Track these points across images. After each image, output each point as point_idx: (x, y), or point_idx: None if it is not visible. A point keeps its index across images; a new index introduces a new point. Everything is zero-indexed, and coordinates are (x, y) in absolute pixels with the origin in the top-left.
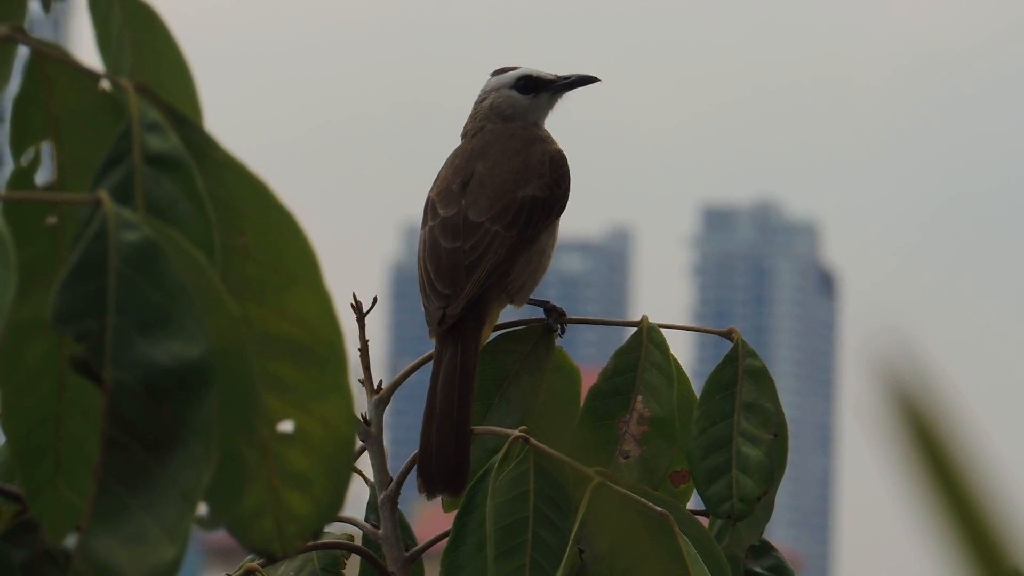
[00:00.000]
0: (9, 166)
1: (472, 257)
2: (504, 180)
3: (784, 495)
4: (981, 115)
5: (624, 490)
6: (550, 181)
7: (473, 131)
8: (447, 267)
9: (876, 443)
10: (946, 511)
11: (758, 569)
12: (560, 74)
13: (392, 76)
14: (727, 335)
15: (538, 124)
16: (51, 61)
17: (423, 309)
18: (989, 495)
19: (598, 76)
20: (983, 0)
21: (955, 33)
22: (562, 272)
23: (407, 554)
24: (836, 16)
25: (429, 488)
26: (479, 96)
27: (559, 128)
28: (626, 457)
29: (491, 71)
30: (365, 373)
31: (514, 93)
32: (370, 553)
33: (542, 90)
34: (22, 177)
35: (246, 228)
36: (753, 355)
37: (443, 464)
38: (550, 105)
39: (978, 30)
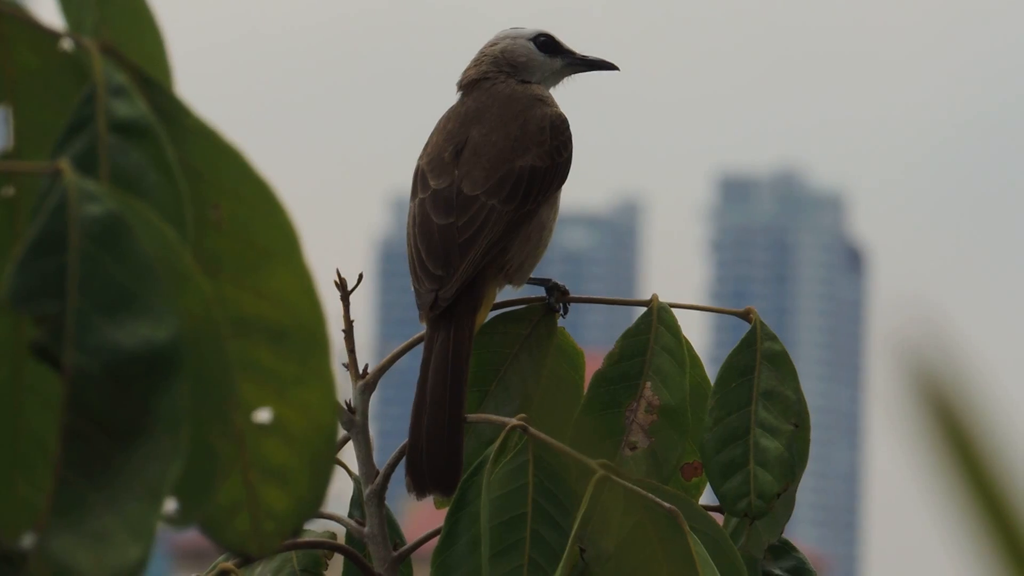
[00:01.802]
0: None
1: (467, 234)
2: (501, 148)
3: (807, 491)
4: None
5: (630, 484)
6: (551, 148)
7: (475, 78)
8: (439, 245)
9: (906, 435)
10: (977, 508)
11: (777, 571)
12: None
13: (381, 22)
14: (744, 316)
15: (543, 86)
16: (6, 18)
17: (413, 291)
18: (1020, 490)
19: (616, 65)
20: None
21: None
22: (565, 248)
23: (395, 553)
24: None
25: (419, 485)
26: (490, 41)
27: (560, 89)
28: (633, 448)
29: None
30: (350, 357)
31: (531, 45)
32: (354, 552)
33: (558, 55)
34: None
35: (220, 201)
36: (773, 338)
37: (434, 459)
38: (561, 75)
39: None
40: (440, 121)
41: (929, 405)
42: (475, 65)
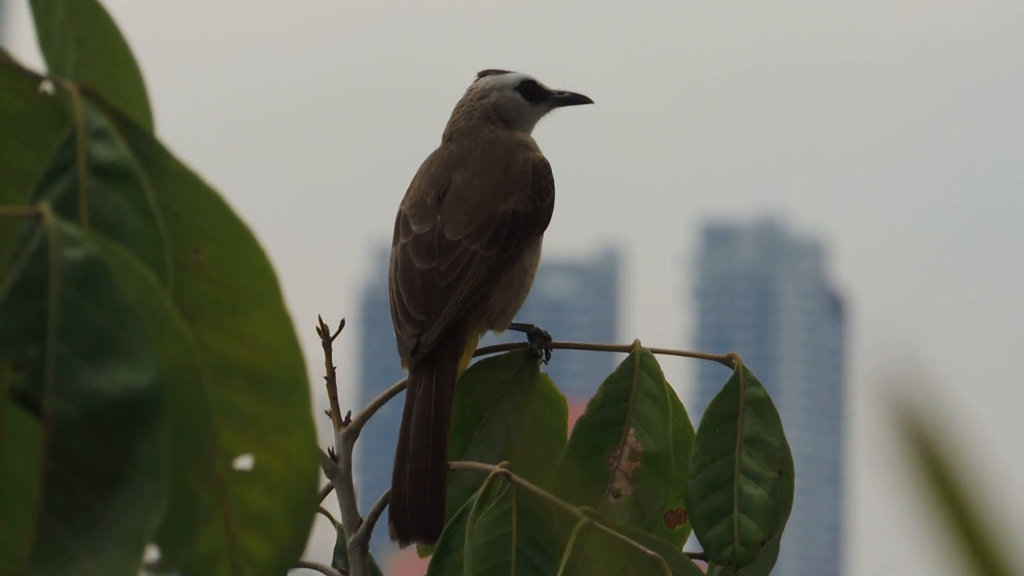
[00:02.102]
0: None
1: (448, 279)
2: (483, 193)
3: (792, 540)
4: (1005, 120)
5: (614, 531)
6: (533, 193)
7: (464, 131)
8: (421, 290)
9: (889, 480)
10: (961, 551)
11: None
12: (553, 88)
13: (361, 73)
14: (727, 361)
15: (527, 132)
16: None
17: (395, 336)
18: (1008, 538)
19: (592, 98)
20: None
21: (971, 34)
22: (547, 296)
23: None
24: (844, 17)
25: (402, 533)
26: (475, 93)
27: (540, 133)
28: (617, 496)
29: (478, 72)
30: (332, 404)
31: (518, 96)
32: None
33: (542, 99)
34: None
35: (200, 245)
36: (756, 384)
37: (417, 507)
38: (542, 116)
39: (995, 34)
40: (423, 166)
41: (911, 450)
42: (465, 118)
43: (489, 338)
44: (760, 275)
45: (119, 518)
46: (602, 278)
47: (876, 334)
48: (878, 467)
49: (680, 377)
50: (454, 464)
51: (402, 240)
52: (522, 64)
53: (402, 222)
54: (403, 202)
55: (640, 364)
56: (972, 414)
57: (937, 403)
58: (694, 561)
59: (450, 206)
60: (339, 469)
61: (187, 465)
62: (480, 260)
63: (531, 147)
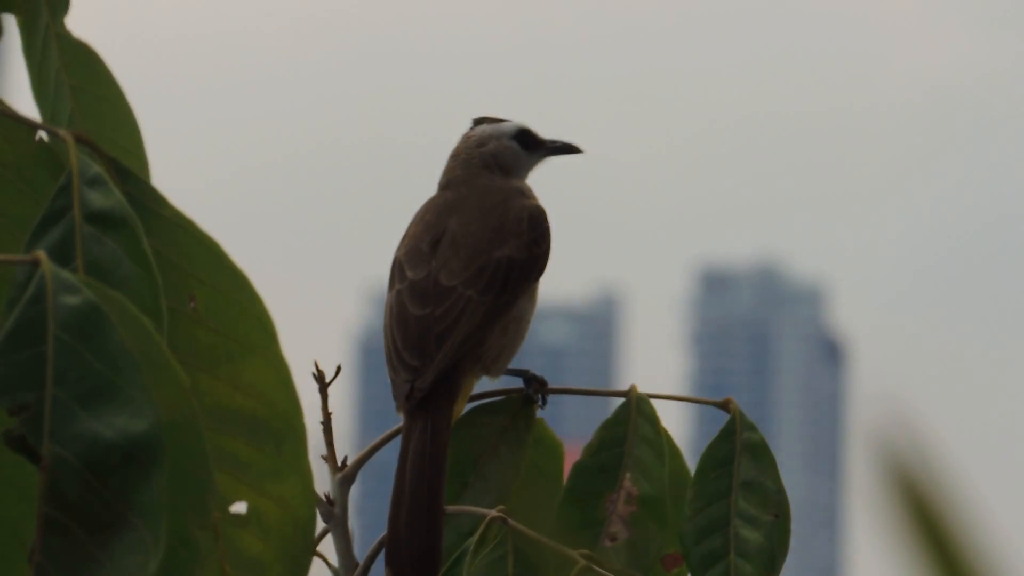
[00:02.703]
0: None
1: (443, 325)
2: (479, 239)
3: None
4: (1004, 163)
5: (610, 575)
6: (529, 240)
7: (461, 179)
8: (416, 336)
9: (884, 529)
10: None
11: None
12: (545, 136)
13: (358, 121)
14: (723, 406)
15: (521, 180)
16: None
17: (390, 381)
18: None
19: (582, 148)
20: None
21: (969, 78)
22: (543, 342)
23: None
24: (840, 63)
25: None
26: (473, 141)
27: (538, 179)
28: (613, 539)
29: (473, 119)
30: (328, 449)
31: (515, 145)
32: None
33: (536, 148)
34: None
35: (196, 291)
36: (752, 428)
37: (413, 550)
38: (536, 165)
39: (993, 78)
40: (418, 212)
41: (905, 499)
42: (463, 166)
43: (485, 383)
44: (758, 320)
45: (116, 563)
46: (599, 323)
47: (871, 383)
48: (872, 515)
49: (678, 423)
50: (450, 508)
51: (397, 286)
52: (520, 110)
53: (397, 268)
54: (399, 248)
55: (636, 409)
56: (964, 464)
57: (928, 455)
58: None
59: (445, 252)
60: (335, 514)
61: (184, 510)
62: (475, 306)
63: (527, 195)
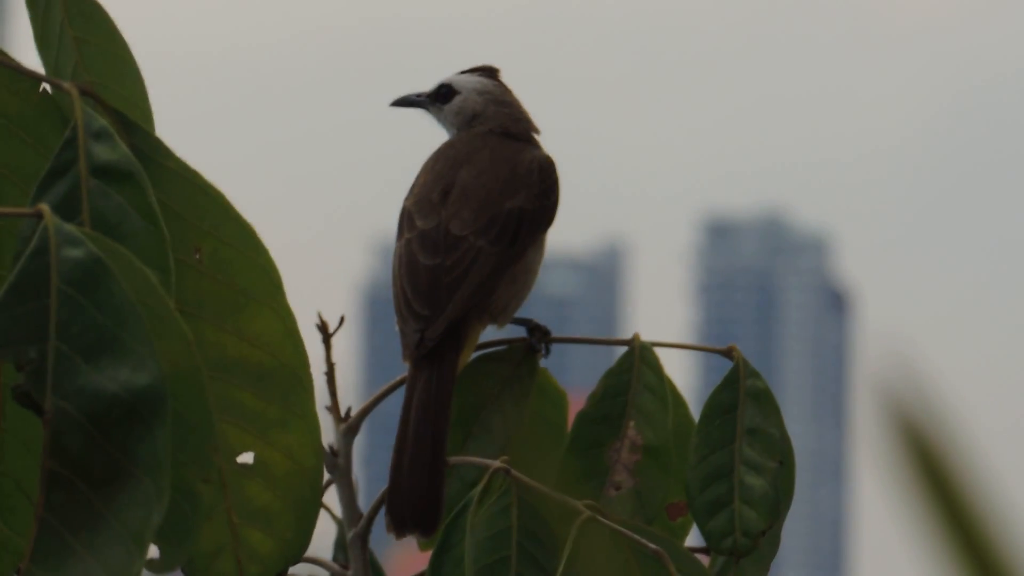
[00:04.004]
0: None
1: (454, 275)
2: (490, 190)
3: (797, 534)
4: (1011, 113)
5: (615, 525)
6: (539, 191)
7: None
8: (426, 285)
9: (889, 477)
10: (958, 548)
11: None
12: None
13: (365, 64)
14: (727, 353)
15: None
16: None
17: (398, 331)
18: (1001, 532)
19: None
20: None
21: (973, 35)
22: (549, 292)
23: None
24: (849, 12)
25: (398, 526)
26: (503, 97)
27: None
28: (617, 489)
29: (480, 67)
30: (332, 400)
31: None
32: None
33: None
34: None
35: (202, 243)
36: (756, 375)
37: (414, 500)
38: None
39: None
40: (427, 162)
41: (910, 447)
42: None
43: (489, 332)
44: (762, 270)
45: (120, 516)
46: (604, 274)
47: (876, 332)
48: (877, 464)
49: (683, 372)
50: (453, 459)
51: (406, 236)
52: (520, 57)
53: (406, 218)
54: (407, 198)
55: (640, 357)
56: (970, 411)
57: (933, 402)
58: (696, 554)
59: (456, 202)
60: (339, 464)
61: (188, 462)
62: (486, 256)
63: (537, 146)
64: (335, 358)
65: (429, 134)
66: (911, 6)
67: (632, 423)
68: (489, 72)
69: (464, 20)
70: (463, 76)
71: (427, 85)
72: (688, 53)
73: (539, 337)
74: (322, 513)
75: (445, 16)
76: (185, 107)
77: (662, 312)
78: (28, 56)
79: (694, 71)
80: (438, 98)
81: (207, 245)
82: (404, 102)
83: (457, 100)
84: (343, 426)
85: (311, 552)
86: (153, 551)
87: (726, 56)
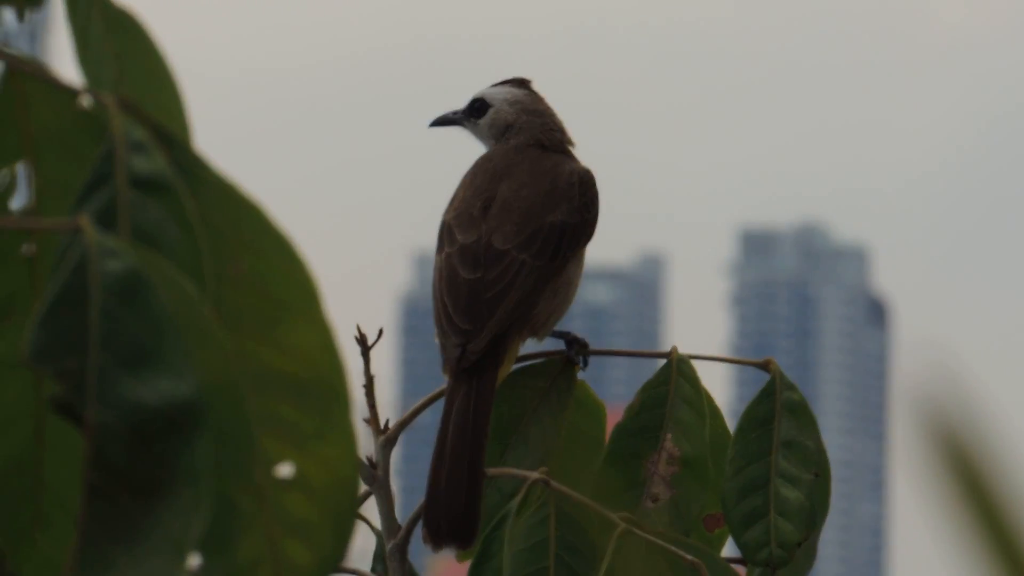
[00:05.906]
0: None
1: (495, 289)
2: (532, 203)
3: (833, 544)
4: None
5: (653, 537)
6: (580, 205)
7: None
8: (466, 299)
9: (928, 488)
10: (998, 559)
11: None
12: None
13: (406, 84)
14: (764, 367)
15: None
16: (26, 76)
17: (438, 345)
18: None
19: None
20: None
21: (1013, 57)
22: (587, 303)
23: None
24: (887, 15)
25: (435, 538)
26: (536, 106)
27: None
28: (655, 500)
29: (515, 78)
30: (371, 411)
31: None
32: None
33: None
34: None
35: (240, 256)
36: (792, 388)
37: (451, 512)
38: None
39: None
40: (466, 176)
41: (948, 459)
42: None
43: (528, 345)
44: (800, 282)
45: (161, 527)
46: (643, 286)
47: (915, 341)
48: (917, 476)
49: (720, 385)
50: (492, 471)
51: (447, 250)
52: (549, 69)
53: (447, 232)
54: (447, 212)
55: (677, 370)
56: (1009, 423)
57: (974, 415)
58: (732, 565)
59: (497, 216)
60: (378, 476)
61: (228, 474)
62: (529, 270)
63: (573, 158)
64: (373, 370)
65: (469, 147)
66: (950, 30)
67: (669, 435)
68: (520, 82)
69: (510, 40)
70: (494, 88)
71: (463, 103)
72: (732, 72)
73: (577, 350)
74: (361, 524)
75: (496, 35)
76: (226, 117)
77: (700, 324)
78: (68, 70)
79: (737, 91)
80: (472, 113)
81: (245, 257)
82: (442, 121)
83: (490, 113)
84: (382, 438)
85: (351, 564)
86: (194, 562)
87: (768, 77)
